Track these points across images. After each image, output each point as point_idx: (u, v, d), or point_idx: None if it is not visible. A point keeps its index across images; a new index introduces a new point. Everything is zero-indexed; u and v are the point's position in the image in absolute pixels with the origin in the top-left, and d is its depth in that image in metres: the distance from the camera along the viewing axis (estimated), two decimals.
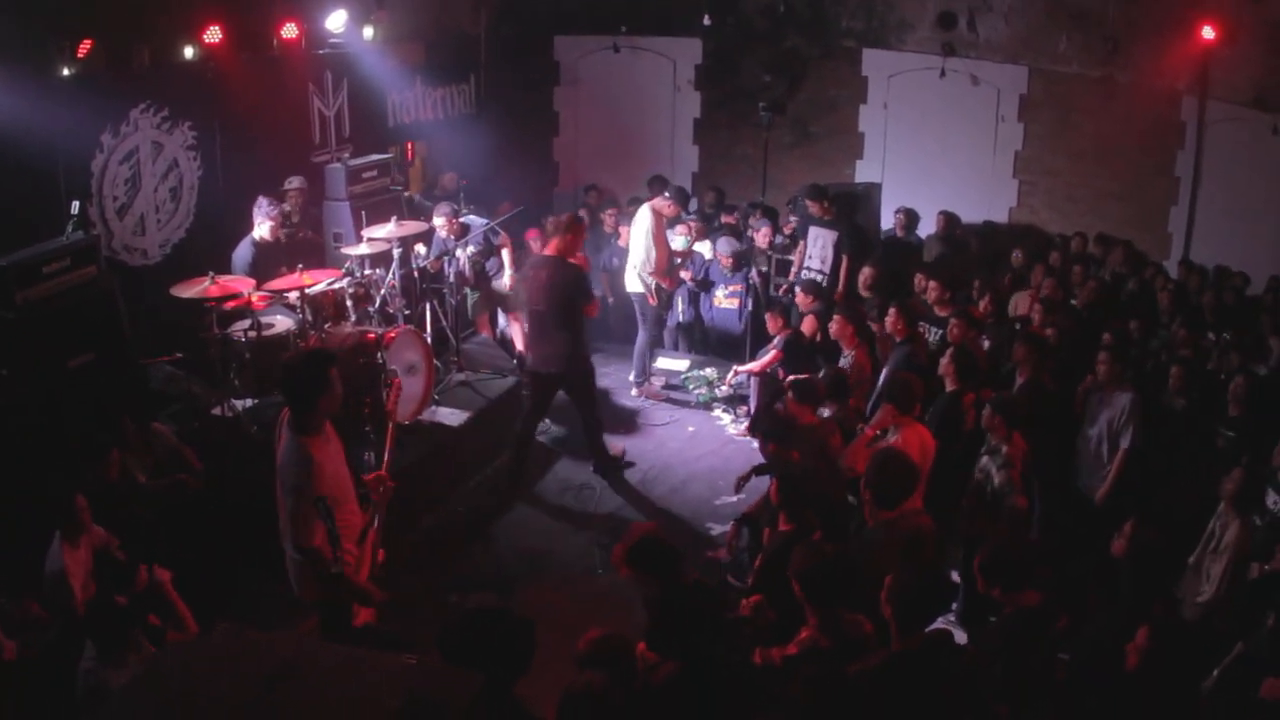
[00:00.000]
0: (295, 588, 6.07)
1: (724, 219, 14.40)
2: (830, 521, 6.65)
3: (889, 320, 9.57)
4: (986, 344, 9.85)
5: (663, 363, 12.57)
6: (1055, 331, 9.94)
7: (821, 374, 9.10)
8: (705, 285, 12.65)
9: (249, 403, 9.02)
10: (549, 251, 9.83)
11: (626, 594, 6.72)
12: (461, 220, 11.54)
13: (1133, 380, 8.92)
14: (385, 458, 6.61)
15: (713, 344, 12.94)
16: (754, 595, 6.10)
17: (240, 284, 8.96)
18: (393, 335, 9.29)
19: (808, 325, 11.03)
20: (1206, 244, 13.20)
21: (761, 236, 13.40)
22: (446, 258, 11.11)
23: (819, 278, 12.14)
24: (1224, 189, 13.04)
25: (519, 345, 12.10)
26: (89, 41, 9.19)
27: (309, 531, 5.64)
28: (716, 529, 9.27)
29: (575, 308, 9.74)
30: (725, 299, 12.56)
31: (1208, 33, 12.36)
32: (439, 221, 11.37)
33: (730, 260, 12.34)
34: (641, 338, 12.02)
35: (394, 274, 10.27)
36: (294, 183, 11.29)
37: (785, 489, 6.54)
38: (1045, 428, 8.33)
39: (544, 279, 9.68)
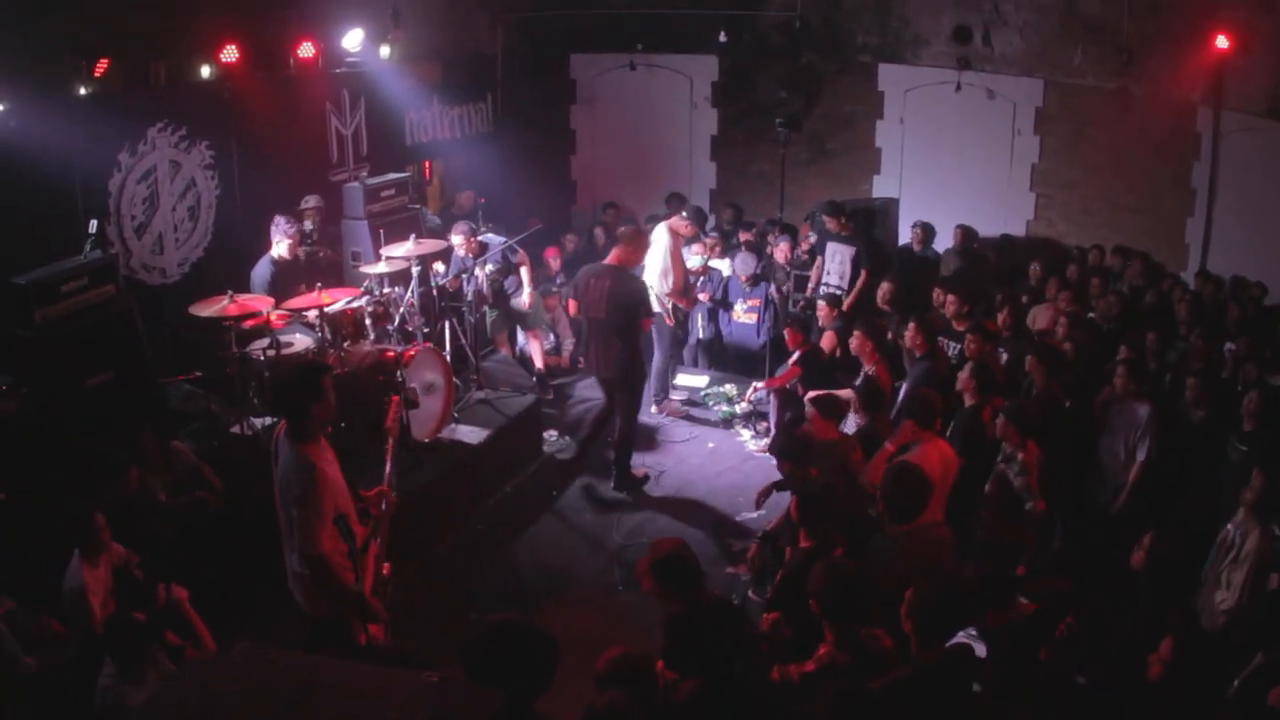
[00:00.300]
0: (302, 603, 6.07)
1: (742, 236, 14.39)
2: (852, 537, 6.63)
3: (908, 335, 9.54)
4: (1005, 357, 9.81)
5: (682, 379, 12.55)
6: (1072, 345, 9.90)
7: (859, 383, 9.09)
8: (725, 304, 12.62)
9: (268, 421, 8.98)
10: (610, 261, 10.01)
11: (647, 611, 6.68)
12: (479, 239, 11.54)
13: (1150, 392, 8.88)
14: (386, 473, 6.62)
15: (732, 360, 12.88)
16: (772, 612, 6.09)
17: (259, 302, 8.99)
18: (412, 353, 9.29)
19: (827, 341, 11.01)
20: (1223, 255, 13.14)
21: (780, 252, 13.40)
22: (465, 276, 11.15)
23: (837, 293, 12.12)
24: (1240, 199, 12.97)
25: (538, 363, 12.14)
26: (106, 60, 9.27)
27: (316, 539, 5.65)
28: (738, 544, 9.21)
29: (634, 317, 9.88)
30: (744, 314, 12.52)
31: (1222, 43, 12.33)
32: (457, 240, 11.36)
33: (747, 277, 12.31)
34: (658, 357, 11.98)
35: (413, 292, 10.28)
36: (310, 201, 11.33)
37: (804, 505, 6.52)
38: (1061, 439, 8.31)
39: (605, 288, 9.82)
